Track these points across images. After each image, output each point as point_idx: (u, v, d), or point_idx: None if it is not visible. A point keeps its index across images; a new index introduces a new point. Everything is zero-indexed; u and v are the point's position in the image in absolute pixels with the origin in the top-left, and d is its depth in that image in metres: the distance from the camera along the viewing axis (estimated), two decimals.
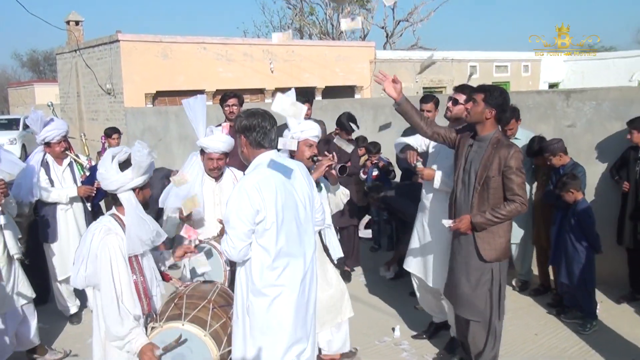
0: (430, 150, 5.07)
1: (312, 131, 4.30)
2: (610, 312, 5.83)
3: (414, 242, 5.17)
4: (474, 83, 5.10)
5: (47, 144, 5.65)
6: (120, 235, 3.39)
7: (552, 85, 27.93)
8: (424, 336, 5.42)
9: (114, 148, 3.53)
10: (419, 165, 4.89)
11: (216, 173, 4.83)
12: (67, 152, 5.78)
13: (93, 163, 6.22)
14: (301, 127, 4.29)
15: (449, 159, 4.61)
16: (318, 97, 21.20)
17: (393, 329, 5.60)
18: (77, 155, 5.98)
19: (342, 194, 4.67)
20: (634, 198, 5.86)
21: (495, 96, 4.14)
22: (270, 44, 23.74)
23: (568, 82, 28.50)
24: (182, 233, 4.38)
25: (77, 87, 22.13)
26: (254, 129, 3.35)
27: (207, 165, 4.80)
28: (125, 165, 3.42)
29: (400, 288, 6.67)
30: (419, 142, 5.14)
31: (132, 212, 3.39)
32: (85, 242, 3.38)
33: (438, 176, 4.76)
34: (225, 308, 3.66)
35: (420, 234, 5.09)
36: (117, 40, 19.35)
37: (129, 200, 3.40)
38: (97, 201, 6.25)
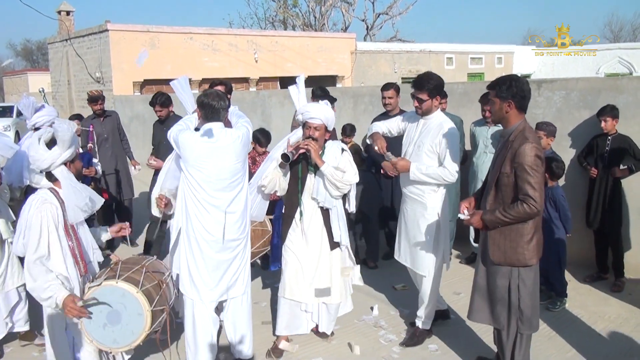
0: (405, 137, 4.94)
1: (311, 113, 4.53)
2: (577, 290, 6.00)
3: (400, 234, 5.07)
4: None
5: (37, 129, 5.40)
6: (54, 205, 3.57)
7: (524, 77, 28.82)
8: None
9: (39, 131, 3.68)
10: (392, 158, 4.72)
11: None
12: None
13: (80, 151, 6.27)
14: (303, 109, 4.61)
15: (428, 153, 4.65)
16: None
17: (371, 308, 5.68)
18: None
19: (334, 178, 4.51)
20: (601, 183, 6.08)
21: (505, 88, 3.80)
22: (254, 34, 24.46)
23: (539, 74, 29.38)
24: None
25: (68, 75, 22.53)
26: (203, 106, 4.16)
27: None
28: (52, 143, 3.59)
29: (379, 268, 6.93)
30: (391, 126, 5.04)
31: (68, 184, 3.60)
32: (23, 213, 3.57)
33: (413, 167, 4.64)
34: (157, 274, 3.91)
35: (403, 224, 4.99)
36: (106, 30, 19.85)
37: (62, 174, 3.61)
38: None
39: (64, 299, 3.42)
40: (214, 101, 4.13)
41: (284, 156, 4.39)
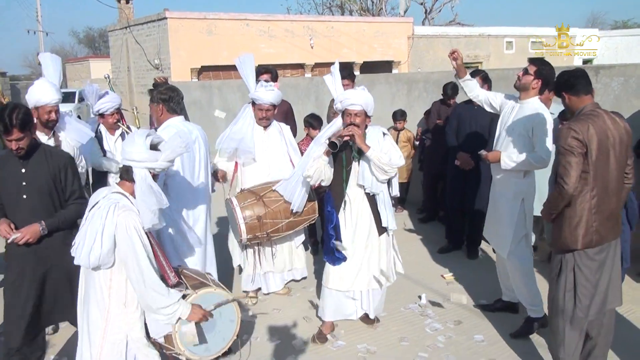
0: (500, 121, 5.01)
1: (350, 100, 4.44)
2: (629, 284, 5.77)
3: (489, 215, 5.23)
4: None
5: (101, 115, 5.76)
6: (134, 212, 3.19)
7: (586, 62, 27.85)
8: (489, 308, 5.35)
9: (149, 131, 3.37)
10: (483, 152, 4.98)
11: (265, 122, 5.32)
12: (119, 123, 5.84)
13: None
14: (342, 97, 4.55)
15: (519, 138, 4.70)
16: (356, 72, 21.75)
17: (419, 297, 5.67)
18: (128, 127, 5.97)
19: (381, 162, 4.43)
20: None
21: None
22: (310, 20, 24.49)
23: (602, 58, 28.28)
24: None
25: (128, 62, 23.15)
26: (172, 100, 4.33)
27: (257, 115, 5.30)
28: (155, 148, 3.24)
29: (429, 257, 6.89)
30: (490, 96, 5.15)
31: (145, 186, 3.16)
32: (99, 219, 3.13)
33: (504, 156, 4.75)
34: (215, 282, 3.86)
35: (492, 207, 5.15)
36: (165, 18, 20.30)
37: (142, 177, 3.17)
38: None
39: (190, 311, 3.27)
40: (179, 95, 4.41)
41: (332, 144, 4.31)
